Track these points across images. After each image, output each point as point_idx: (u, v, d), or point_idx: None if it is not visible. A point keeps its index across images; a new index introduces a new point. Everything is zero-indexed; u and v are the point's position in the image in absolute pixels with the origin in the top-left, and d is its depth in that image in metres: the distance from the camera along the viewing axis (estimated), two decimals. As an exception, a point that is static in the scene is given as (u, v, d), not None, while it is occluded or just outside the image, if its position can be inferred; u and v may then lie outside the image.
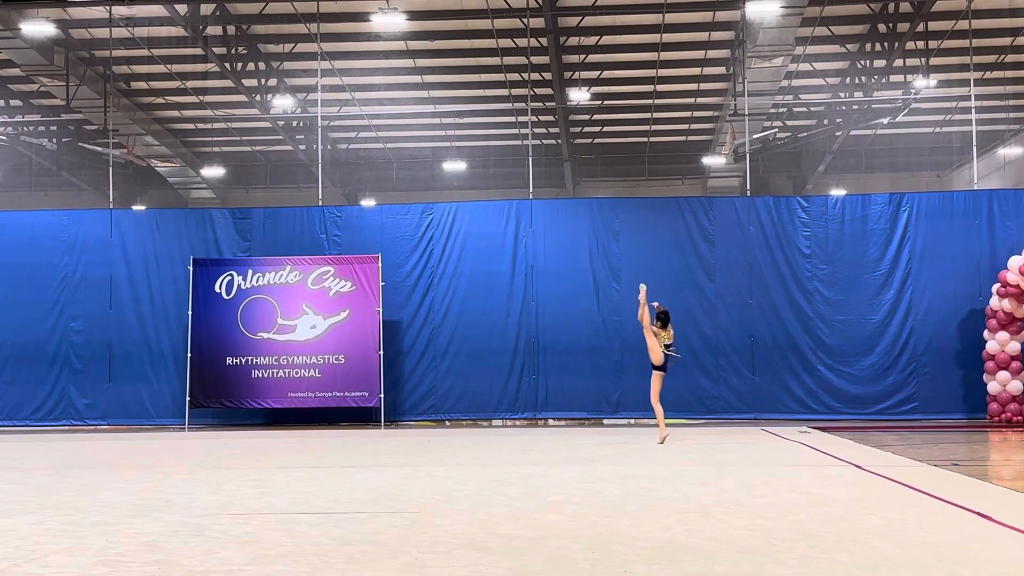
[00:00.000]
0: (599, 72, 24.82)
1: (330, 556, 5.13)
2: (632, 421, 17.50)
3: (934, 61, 23.09)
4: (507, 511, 6.71)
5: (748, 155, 21.68)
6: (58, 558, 5.15)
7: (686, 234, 17.86)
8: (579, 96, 24.80)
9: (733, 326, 17.60)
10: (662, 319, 13.19)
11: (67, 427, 17.95)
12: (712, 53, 23.97)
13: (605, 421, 17.64)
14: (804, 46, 22.67)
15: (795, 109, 27.06)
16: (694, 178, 32.86)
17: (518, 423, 17.68)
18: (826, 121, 26.66)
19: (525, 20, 20.71)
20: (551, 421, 17.73)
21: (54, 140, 28.11)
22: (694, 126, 29.98)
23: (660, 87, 25.87)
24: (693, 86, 26.31)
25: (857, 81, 24.62)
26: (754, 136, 24.71)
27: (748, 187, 21.38)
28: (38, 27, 20.71)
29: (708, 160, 30.32)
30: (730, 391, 17.46)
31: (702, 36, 23.12)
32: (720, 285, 17.68)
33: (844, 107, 25.68)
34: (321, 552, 5.24)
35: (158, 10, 20.96)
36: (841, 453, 11.14)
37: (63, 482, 8.85)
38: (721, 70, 24.98)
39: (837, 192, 26.96)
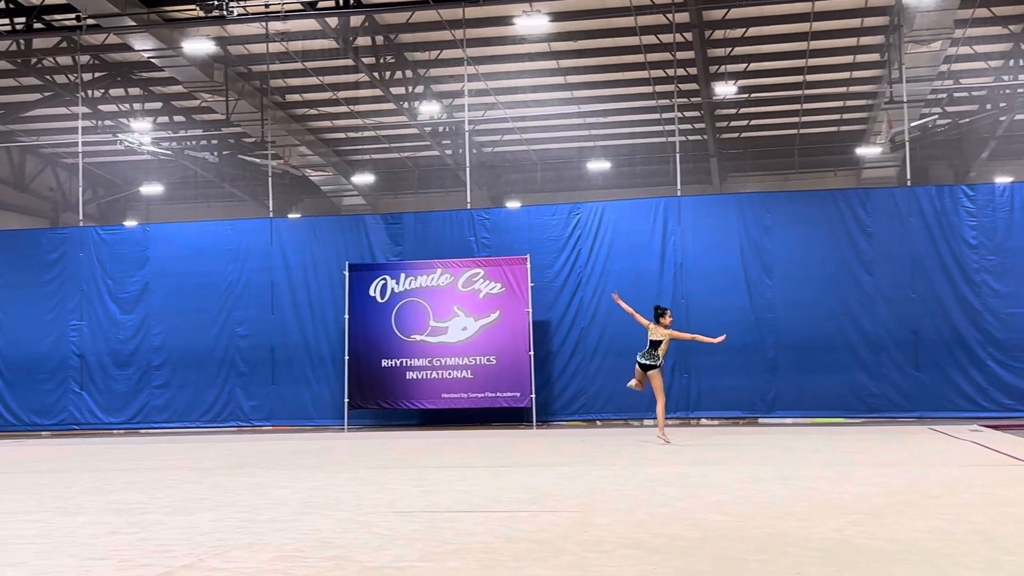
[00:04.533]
0: (746, 64, 24.34)
1: (497, 554, 5.18)
2: (789, 420, 17.08)
3: (1107, 37, 21.75)
4: (668, 511, 6.64)
5: (907, 143, 20.85)
6: (239, 553, 5.37)
7: (842, 227, 17.32)
8: (725, 90, 24.39)
9: (894, 321, 16.97)
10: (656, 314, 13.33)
11: (235, 428, 18.74)
12: (865, 40, 23.18)
13: (760, 420, 17.27)
14: (964, 28, 21.66)
15: (955, 94, 25.91)
16: (847, 169, 31.83)
17: (670, 423, 17.44)
18: (989, 106, 25.43)
19: (669, 15, 20.49)
20: (704, 420, 17.48)
21: (215, 153, 29.38)
22: (846, 116, 29.06)
23: (810, 77, 25.18)
24: (845, 74, 25.50)
25: (1021, 63, 23.39)
26: (912, 124, 23.76)
27: (908, 177, 20.58)
28: (199, 45, 21.68)
29: (862, 150, 29.31)
30: (893, 389, 16.84)
31: (854, 22, 22.38)
32: (879, 279, 17.07)
33: (1008, 91, 24.44)
34: (488, 549, 5.30)
35: (311, 24, 21.66)
36: (1017, 452, 10.60)
37: (237, 481, 9.23)
38: (875, 57, 24.13)
39: (1003, 179, 25.67)
